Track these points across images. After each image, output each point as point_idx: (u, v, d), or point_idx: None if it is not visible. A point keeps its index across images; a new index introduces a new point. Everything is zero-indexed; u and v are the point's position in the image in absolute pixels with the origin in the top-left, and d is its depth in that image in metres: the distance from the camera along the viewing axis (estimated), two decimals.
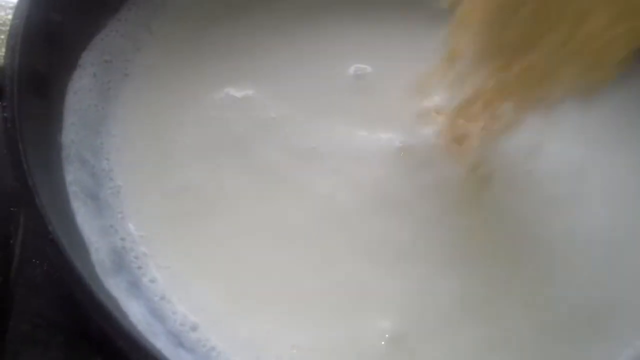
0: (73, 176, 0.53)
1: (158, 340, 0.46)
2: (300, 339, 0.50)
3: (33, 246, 0.58)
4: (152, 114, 0.58)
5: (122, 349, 0.38)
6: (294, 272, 0.53)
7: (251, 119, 0.59)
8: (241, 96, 0.60)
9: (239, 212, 0.55)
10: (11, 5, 0.52)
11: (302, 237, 0.54)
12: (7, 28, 0.49)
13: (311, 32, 0.63)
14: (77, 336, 0.55)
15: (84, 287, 0.40)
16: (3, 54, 0.48)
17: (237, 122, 0.59)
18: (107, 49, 0.59)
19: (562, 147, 0.59)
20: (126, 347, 0.38)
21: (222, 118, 0.59)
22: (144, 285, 0.51)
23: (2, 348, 0.55)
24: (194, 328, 0.50)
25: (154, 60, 0.61)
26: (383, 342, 0.51)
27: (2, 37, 0.50)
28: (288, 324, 0.51)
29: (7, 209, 0.59)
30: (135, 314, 0.47)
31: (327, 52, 0.62)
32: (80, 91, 0.56)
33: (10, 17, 0.50)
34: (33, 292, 0.57)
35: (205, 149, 0.58)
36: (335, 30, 0.64)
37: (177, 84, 0.60)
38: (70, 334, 0.55)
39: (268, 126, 0.59)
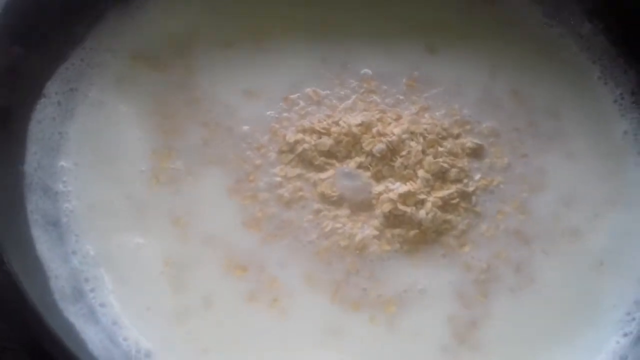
0: (35, 204, 0.54)
1: None
2: None
3: None
4: (107, 135, 0.60)
5: None
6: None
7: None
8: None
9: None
10: None
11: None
12: None
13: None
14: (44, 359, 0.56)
15: (35, 317, 0.41)
16: None
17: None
18: (73, 77, 0.61)
19: None
20: None
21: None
22: (98, 310, 0.52)
23: None
24: (147, 354, 0.51)
25: (115, 86, 0.62)
26: None
27: None
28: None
29: None
30: (94, 340, 0.48)
31: None
32: (45, 120, 0.58)
33: None
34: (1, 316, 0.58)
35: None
36: None
37: (135, 109, 0.61)
38: (38, 358, 0.56)
39: None
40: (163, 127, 0.61)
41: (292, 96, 0.62)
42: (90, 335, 0.49)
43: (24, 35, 0.55)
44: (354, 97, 0.63)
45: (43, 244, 0.52)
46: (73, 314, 0.49)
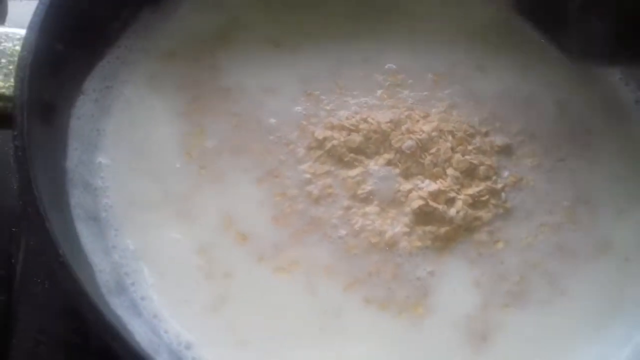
0: (77, 199, 0.55)
1: (160, 358, 0.48)
2: None
3: (34, 265, 0.60)
4: (141, 131, 0.61)
5: None
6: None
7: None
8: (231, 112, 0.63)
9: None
10: (18, 37, 0.54)
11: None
12: (15, 59, 0.51)
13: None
14: (78, 352, 0.57)
15: (94, 310, 0.42)
16: (11, 83, 0.51)
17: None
18: (108, 75, 0.62)
19: None
20: None
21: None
22: (139, 303, 0.53)
23: None
24: (188, 347, 0.52)
25: (149, 83, 0.63)
26: None
27: (11, 67, 0.52)
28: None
29: (8, 229, 0.61)
30: (139, 332, 0.49)
31: None
32: (83, 117, 0.59)
33: (17, 48, 0.53)
34: (35, 310, 0.59)
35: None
36: None
37: (167, 105, 0.63)
38: (71, 351, 0.58)
39: None
40: (194, 117, 0.62)
41: (315, 92, 0.63)
42: (136, 327, 0.50)
43: (65, 34, 0.56)
44: (379, 91, 0.64)
45: (87, 238, 0.53)
46: (119, 307, 0.50)
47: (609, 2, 0.59)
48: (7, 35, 0.54)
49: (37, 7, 0.52)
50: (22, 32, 0.52)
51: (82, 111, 0.59)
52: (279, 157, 0.60)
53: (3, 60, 0.53)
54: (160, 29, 0.65)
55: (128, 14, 0.63)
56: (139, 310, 0.53)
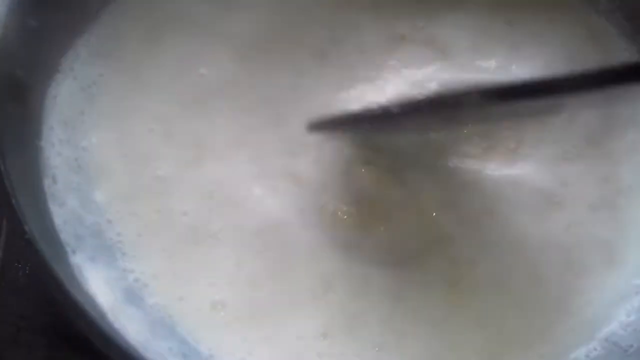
0: (52, 179, 0.53)
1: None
2: None
3: (15, 249, 0.59)
4: (124, 110, 0.60)
5: (99, 348, 0.39)
6: None
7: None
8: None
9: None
10: None
11: None
12: None
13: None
14: (61, 338, 0.56)
15: (61, 288, 0.41)
16: None
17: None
18: (88, 52, 0.60)
19: None
20: (103, 346, 0.39)
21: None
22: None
23: None
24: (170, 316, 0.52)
25: (131, 61, 0.62)
26: None
27: None
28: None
29: None
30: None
31: None
32: (60, 95, 0.57)
33: None
34: (16, 295, 0.58)
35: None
36: None
37: (152, 83, 0.61)
38: (53, 336, 0.57)
39: None
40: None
41: None
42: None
43: (39, 9, 0.54)
44: None
45: (60, 218, 0.52)
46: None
47: None
48: None
49: None
50: None
51: (59, 90, 0.57)
52: None
53: None
54: (144, 4, 0.63)
55: None
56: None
